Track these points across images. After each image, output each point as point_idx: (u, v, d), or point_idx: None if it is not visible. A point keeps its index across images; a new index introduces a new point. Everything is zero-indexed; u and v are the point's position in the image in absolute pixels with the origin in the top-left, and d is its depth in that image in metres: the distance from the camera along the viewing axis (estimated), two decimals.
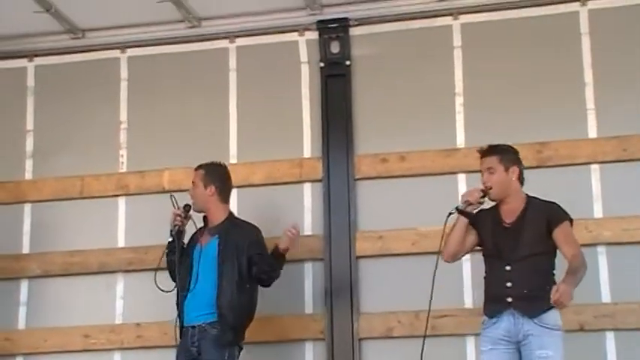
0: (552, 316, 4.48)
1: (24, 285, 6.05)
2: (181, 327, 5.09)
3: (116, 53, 6.28)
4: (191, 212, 5.19)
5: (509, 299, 4.54)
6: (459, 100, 5.78)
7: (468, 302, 5.52)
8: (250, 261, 5.11)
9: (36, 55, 6.36)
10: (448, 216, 4.73)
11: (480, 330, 4.69)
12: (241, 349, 5.11)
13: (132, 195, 6.09)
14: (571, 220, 4.65)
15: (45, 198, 6.16)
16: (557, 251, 4.62)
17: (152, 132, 6.17)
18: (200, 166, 5.37)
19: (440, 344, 5.37)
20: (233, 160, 5.97)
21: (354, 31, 6.00)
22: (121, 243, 6.06)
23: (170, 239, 5.13)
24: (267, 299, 5.26)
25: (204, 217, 5.34)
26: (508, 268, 4.59)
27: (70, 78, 6.30)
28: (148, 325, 5.79)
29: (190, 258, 5.19)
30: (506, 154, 4.77)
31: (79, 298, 5.99)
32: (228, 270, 5.09)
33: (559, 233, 4.58)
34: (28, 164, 6.23)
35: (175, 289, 5.13)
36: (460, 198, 4.77)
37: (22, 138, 6.27)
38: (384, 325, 5.64)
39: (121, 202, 6.09)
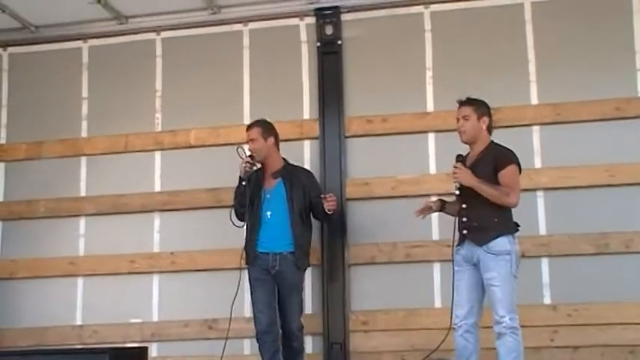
0: (499, 243, 4.63)
1: (82, 221, 6.43)
2: (253, 254, 5.32)
3: (152, 35, 6.56)
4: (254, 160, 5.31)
5: (465, 232, 4.77)
6: (429, 74, 6.12)
7: (435, 235, 5.83)
8: (311, 201, 5.39)
9: (89, 38, 6.63)
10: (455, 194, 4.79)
11: (443, 257, 5.13)
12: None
13: (166, 150, 6.39)
14: (518, 165, 4.74)
15: (97, 152, 6.50)
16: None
17: (181, 98, 6.44)
18: (255, 124, 5.51)
19: (413, 269, 5.81)
20: (247, 120, 6.10)
21: (345, 17, 6.29)
22: (157, 188, 6.38)
23: (244, 183, 5.28)
24: None
25: (262, 166, 5.46)
26: (464, 205, 4.78)
27: (116, 56, 6.61)
28: (180, 254, 6.19)
29: (260, 199, 5.37)
30: (479, 106, 4.90)
31: (125, 231, 6.34)
32: (296, 207, 5.36)
33: (502, 175, 4.69)
34: (84, 125, 6.56)
35: (245, 225, 5.36)
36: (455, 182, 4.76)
37: (78, 104, 6.59)
38: (368, 253, 5.98)
39: (157, 155, 6.43)
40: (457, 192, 4.79)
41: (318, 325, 5.90)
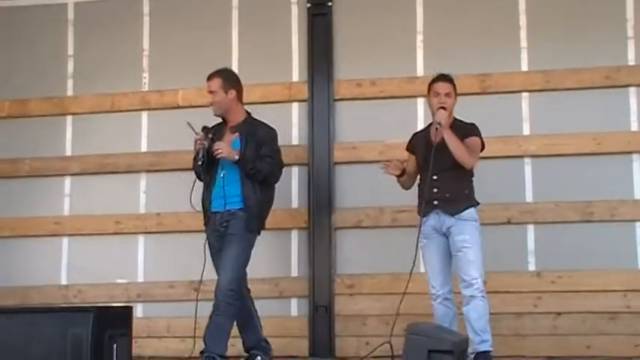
0: (469, 212, 4.80)
1: (67, 180, 6.36)
2: (208, 214, 5.07)
3: None
4: (208, 132, 5.00)
5: (436, 202, 4.83)
6: (420, 38, 6.04)
7: None
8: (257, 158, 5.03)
9: None
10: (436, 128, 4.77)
11: None
12: (259, 234, 5.11)
13: (153, 110, 6.32)
14: (482, 138, 4.86)
15: (83, 111, 6.39)
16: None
17: (169, 58, 6.34)
18: (215, 74, 5.16)
19: (399, 233, 5.73)
20: None
21: None
22: (144, 148, 6.31)
23: (199, 163, 4.97)
24: None
25: (223, 119, 5.18)
26: (435, 177, 4.81)
27: (103, 13, 6.47)
28: (166, 215, 6.13)
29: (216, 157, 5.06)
30: (454, 84, 4.95)
31: (110, 191, 6.28)
32: (247, 164, 4.98)
33: (469, 140, 4.80)
34: (70, 83, 6.45)
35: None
36: (438, 119, 4.74)
37: (64, 61, 6.47)
38: (355, 217, 5.97)
39: (144, 115, 6.34)
40: (437, 126, 4.76)
41: (304, 288, 5.91)
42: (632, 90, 5.76)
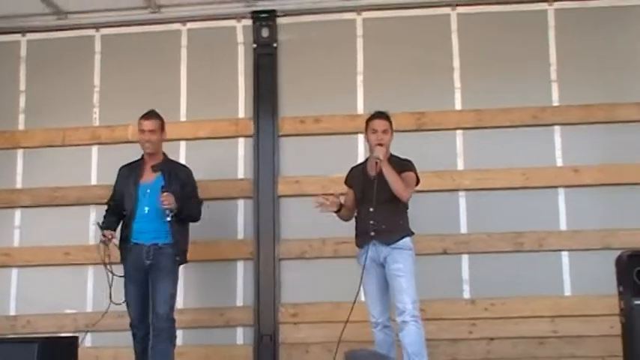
0: (404, 241, 4.89)
1: (18, 213, 6.33)
2: (126, 245, 5.20)
3: (92, 32, 6.48)
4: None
5: (372, 233, 4.91)
6: (360, 78, 6.22)
7: None
8: (184, 200, 5.22)
9: (28, 32, 6.52)
10: (376, 163, 4.91)
11: None
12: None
13: (103, 144, 6.33)
14: (415, 173, 4.98)
15: (34, 145, 6.39)
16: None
17: (119, 94, 6.39)
18: (153, 115, 5.32)
19: (341, 264, 5.81)
20: (183, 118, 6.26)
21: (281, 21, 6.34)
22: (94, 181, 6.30)
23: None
24: (207, 228, 5.63)
25: (143, 158, 5.34)
26: (372, 209, 4.92)
27: (55, 50, 6.51)
28: (114, 247, 5.69)
29: (136, 194, 5.25)
30: (390, 121, 5.06)
31: (60, 224, 6.24)
32: (182, 215, 5.24)
33: (405, 175, 4.92)
34: (21, 118, 6.45)
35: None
36: (377, 154, 4.88)
37: (16, 97, 6.47)
38: (298, 248, 6.06)
39: (94, 149, 6.36)
40: (377, 160, 4.90)
41: (249, 318, 5.96)
42: (557, 128, 6.03)
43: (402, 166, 5.01)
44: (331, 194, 5.09)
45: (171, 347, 5.17)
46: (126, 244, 5.26)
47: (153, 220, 5.22)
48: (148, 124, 5.33)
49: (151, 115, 5.37)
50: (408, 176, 4.99)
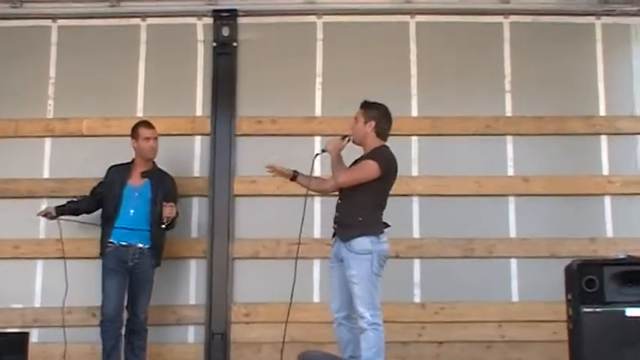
0: (360, 242, 4.66)
1: None
2: (108, 243, 5.41)
3: (48, 22, 6.31)
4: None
5: (335, 226, 4.84)
6: (319, 80, 6.19)
7: (317, 233, 5.90)
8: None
9: None
10: (315, 156, 5.03)
11: (323, 255, 5.12)
12: None
13: (57, 137, 6.17)
14: (379, 163, 4.70)
15: None
16: (377, 186, 4.73)
17: (75, 87, 6.26)
18: (151, 124, 5.58)
19: (294, 265, 5.54)
20: (139, 114, 6.11)
21: (241, 20, 6.28)
22: (46, 174, 6.16)
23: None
24: None
25: (133, 162, 5.59)
26: (339, 201, 4.86)
27: (9, 39, 6.32)
28: (66, 241, 5.75)
29: (121, 194, 5.48)
30: (369, 110, 4.87)
31: (11, 216, 6.08)
32: (157, 209, 5.47)
33: (358, 163, 4.81)
34: None
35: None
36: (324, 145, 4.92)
37: None
38: (252, 248, 6.01)
39: (48, 142, 6.19)
40: (319, 152, 4.98)
41: (201, 316, 5.88)
42: (509, 138, 6.11)
43: (367, 155, 4.82)
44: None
45: (145, 344, 5.52)
46: (107, 241, 5.45)
47: (138, 223, 5.47)
48: (154, 132, 5.61)
49: (151, 124, 5.64)
50: (362, 163, 4.79)
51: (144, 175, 5.59)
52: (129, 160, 5.68)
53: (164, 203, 5.47)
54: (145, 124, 5.65)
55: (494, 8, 6.26)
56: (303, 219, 4.90)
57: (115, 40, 6.31)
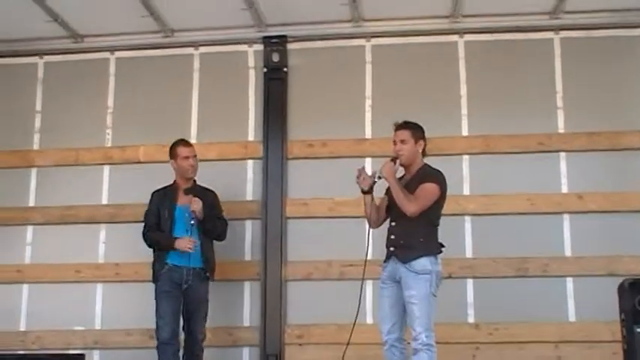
0: (421, 263, 4.59)
1: (29, 230, 6.30)
2: (162, 265, 5.35)
3: (107, 54, 6.48)
4: None
5: (392, 248, 4.73)
6: (368, 102, 6.18)
7: (368, 255, 5.53)
8: (212, 219, 5.48)
9: (45, 54, 6.53)
10: (373, 184, 4.76)
11: (375, 276, 4.98)
12: None
13: (115, 164, 6.31)
14: (440, 185, 4.68)
15: (48, 164, 6.38)
16: (434, 206, 4.65)
17: (132, 116, 6.39)
18: (190, 143, 5.59)
19: (347, 286, 5.63)
20: (193, 140, 6.13)
21: (291, 46, 6.33)
22: (105, 201, 6.29)
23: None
24: (216, 248, 5.53)
25: (174, 183, 5.52)
26: (393, 224, 4.77)
27: (71, 72, 6.51)
28: (125, 265, 6.07)
29: (173, 214, 5.42)
30: (416, 129, 4.83)
31: (71, 241, 6.21)
32: (204, 226, 5.44)
33: (420, 187, 4.66)
34: (36, 137, 6.44)
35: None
36: (379, 172, 4.73)
37: (32, 117, 6.46)
38: (304, 270, 5.99)
39: (106, 169, 6.34)
40: (376, 179, 4.74)
41: (255, 338, 5.89)
42: (563, 155, 5.96)
43: (424, 177, 4.74)
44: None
45: None
46: (162, 264, 5.40)
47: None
48: (192, 150, 5.59)
49: (188, 142, 5.64)
50: (422, 188, 4.68)
51: (187, 192, 5.49)
52: (169, 183, 5.60)
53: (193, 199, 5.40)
54: (182, 142, 5.63)
55: (545, 24, 6.14)
56: (368, 242, 4.84)
57: (170, 69, 6.43)
